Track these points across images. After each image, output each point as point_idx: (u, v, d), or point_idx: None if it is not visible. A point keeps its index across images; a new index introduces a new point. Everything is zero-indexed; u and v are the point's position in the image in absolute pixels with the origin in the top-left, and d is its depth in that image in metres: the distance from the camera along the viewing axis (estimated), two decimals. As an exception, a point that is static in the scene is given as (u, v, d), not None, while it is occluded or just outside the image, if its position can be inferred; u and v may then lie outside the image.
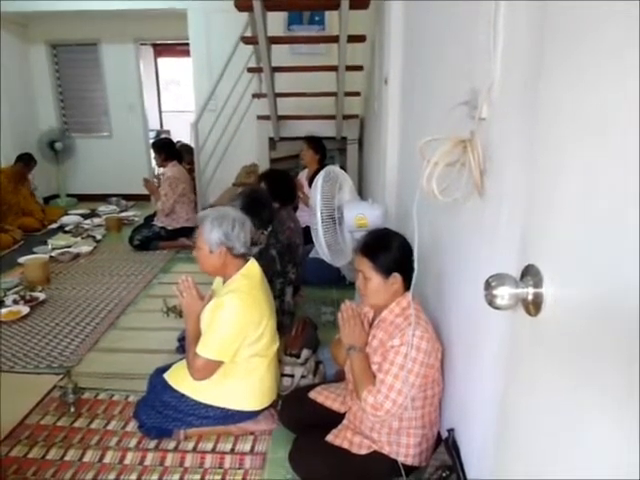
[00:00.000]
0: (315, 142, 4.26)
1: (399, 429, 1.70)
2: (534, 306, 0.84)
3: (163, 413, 2.03)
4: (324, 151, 4.28)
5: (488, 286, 0.88)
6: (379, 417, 1.61)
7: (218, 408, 2.02)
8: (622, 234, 0.63)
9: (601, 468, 0.69)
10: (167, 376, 2.11)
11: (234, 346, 1.93)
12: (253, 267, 2.07)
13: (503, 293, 0.86)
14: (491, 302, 0.88)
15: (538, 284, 0.83)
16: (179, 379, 2.04)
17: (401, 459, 1.71)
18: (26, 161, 5.38)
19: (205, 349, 1.90)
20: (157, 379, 2.14)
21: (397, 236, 1.77)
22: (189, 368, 1.96)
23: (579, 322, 0.74)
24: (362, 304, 1.88)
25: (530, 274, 0.85)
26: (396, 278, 1.69)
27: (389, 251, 1.70)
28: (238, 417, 2.07)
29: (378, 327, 1.76)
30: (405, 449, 1.71)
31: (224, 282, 2.05)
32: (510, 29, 1.16)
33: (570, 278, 0.77)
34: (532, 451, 0.93)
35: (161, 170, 4.80)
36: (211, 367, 1.93)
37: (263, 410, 2.13)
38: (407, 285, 1.72)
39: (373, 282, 1.71)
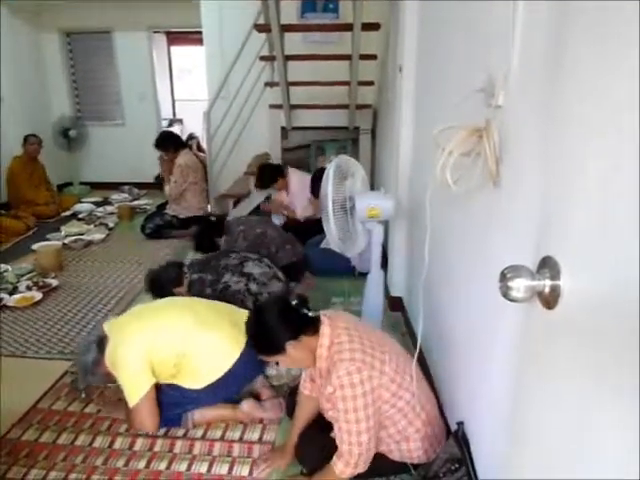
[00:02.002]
0: (261, 176, 4.20)
1: (398, 440, 1.67)
2: (551, 299, 0.82)
3: (164, 401, 2.04)
4: (273, 171, 4.20)
5: (503, 278, 0.86)
6: (361, 463, 1.54)
7: (210, 384, 2.04)
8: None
9: (616, 466, 0.67)
10: None
11: (145, 370, 1.96)
12: (112, 325, 2.09)
13: (519, 285, 0.84)
14: (506, 294, 0.86)
15: (555, 276, 0.81)
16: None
17: (407, 460, 1.69)
18: (32, 140, 5.37)
19: (131, 398, 1.96)
20: None
21: (264, 311, 1.68)
22: (135, 425, 2.03)
23: (598, 316, 0.72)
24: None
25: (547, 266, 0.83)
26: (291, 344, 1.61)
27: (268, 334, 1.63)
28: (229, 385, 2.08)
29: (321, 376, 1.70)
30: (408, 453, 1.69)
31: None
32: (529, 15, 1.13)
33: (589, 270, 0.74)
34: (544, 446, 0.91)
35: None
36: (146, 407, 1.98)
37: (250, 369, 2.16)
38: (311, 329, 1.64)
39: (284, 362, 1.70)
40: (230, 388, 2.12)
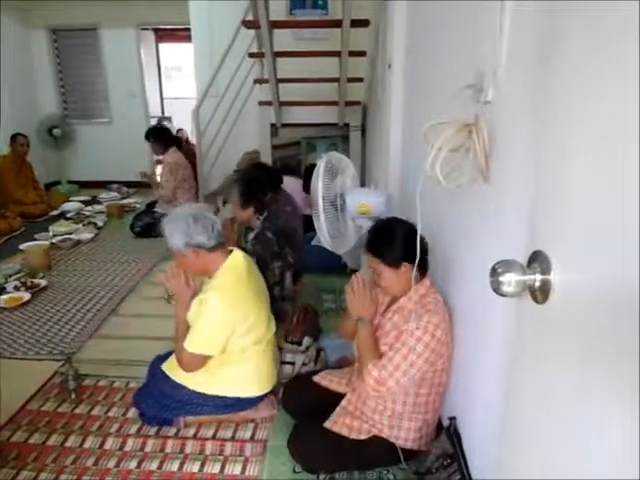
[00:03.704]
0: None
1: (402, 413, 1.71)
2: (541, 293, 0.82)
3: (162, 402, 2.02)
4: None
5: (494, 272, 0.86)
6: (379, 392, 1.62)
7: (217, 397, 2.01)
8: (635, 218, 0.60)
9: (613, 464, 0.67)
10: (165, 367, 2.09)
11: (220, 341, 1.90)
12: (237, 257, 2.01)
13: (509, 280, 0.84)
14: (497, 289, 0.86)
15: (546, 271, 0.81)
16: (176, 369, 2.01)
17: (400, 443, 1.71)
18: (21, 140, 5.30)
19: (191, 344, 1.88)
20: (157, 368, 2.13)
21: (401, 225, 1.74)
22: (177, 360, 1.96)
23: (588, 310, 0.72)
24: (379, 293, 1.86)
25: (538, 260, 0.83)
26: (407, 267, 1.67)
27: (394, 243, 1.68)
28: (238, 405, 2.05)
29: (396, 312, 1.75)
30: (405, 433, 1.72)
31: (210, 277, 1.99)
32: (517, 10, 1.13)
33: (580, 264, 0.74)
34: (537, 442, 0.91)
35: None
36: (198, 360, 1.92)
37: (263, 397, 2.11)
38: (421, 270, 1.70)
39: (385, 276, 1.70)
40: (232, 410, 2.07)
